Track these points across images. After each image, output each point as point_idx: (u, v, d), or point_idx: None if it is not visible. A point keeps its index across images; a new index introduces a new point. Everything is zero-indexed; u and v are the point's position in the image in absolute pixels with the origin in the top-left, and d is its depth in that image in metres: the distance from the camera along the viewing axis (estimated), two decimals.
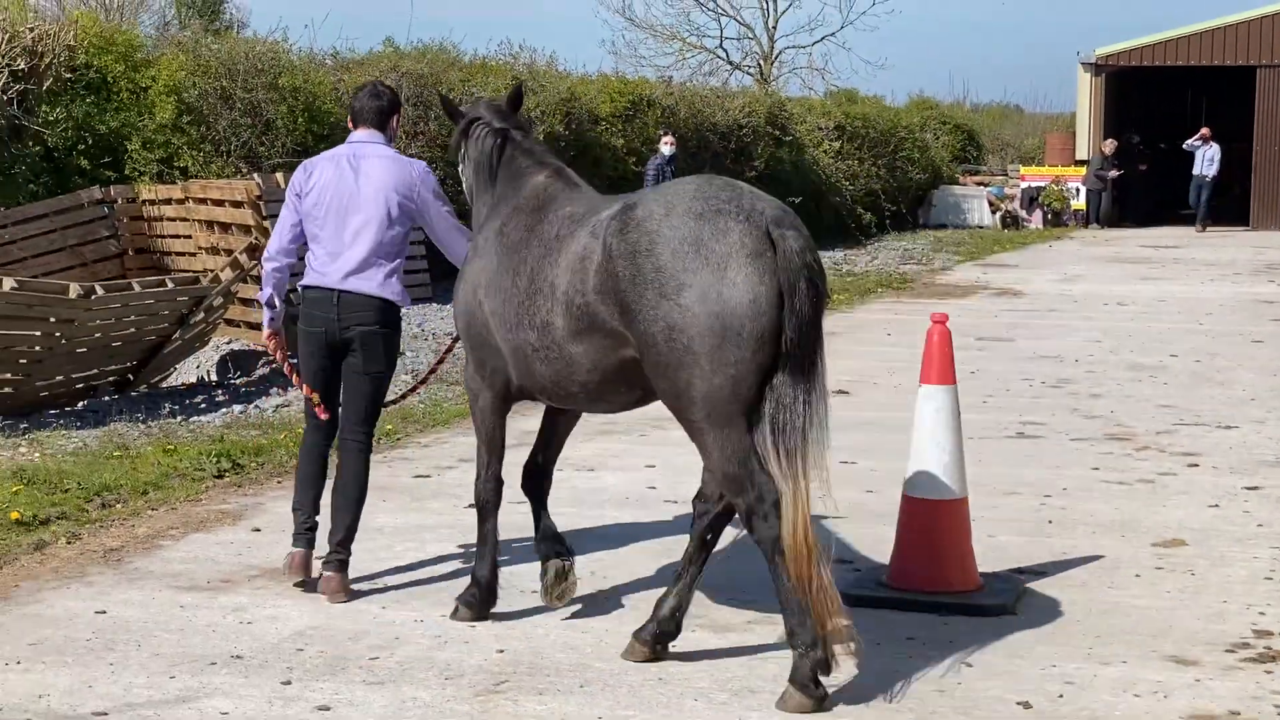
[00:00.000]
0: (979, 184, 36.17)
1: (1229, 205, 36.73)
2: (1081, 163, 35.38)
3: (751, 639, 6.27)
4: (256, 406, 12.06)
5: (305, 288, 6.98)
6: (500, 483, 6.58)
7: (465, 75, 20.68)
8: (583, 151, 21.69)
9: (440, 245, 7.21)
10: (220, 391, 12.78)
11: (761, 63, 43.76)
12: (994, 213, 34.55)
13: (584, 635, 6.34)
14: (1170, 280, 22.69)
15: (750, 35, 43.99)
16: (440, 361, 7.98)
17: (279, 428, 11.04)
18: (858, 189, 29.74)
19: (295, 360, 7.26)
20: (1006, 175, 36.36)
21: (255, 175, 15.07)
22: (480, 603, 6.54)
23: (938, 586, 6.62)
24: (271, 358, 12.33)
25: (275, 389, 12.71)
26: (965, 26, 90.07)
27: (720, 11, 43.52)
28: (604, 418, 9.08)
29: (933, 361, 6.71)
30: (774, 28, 43.88)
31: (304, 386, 7.10)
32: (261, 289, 7.14)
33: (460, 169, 7.05)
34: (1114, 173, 34.70)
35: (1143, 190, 36.59)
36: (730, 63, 43.64)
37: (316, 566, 6.95)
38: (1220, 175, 34.25)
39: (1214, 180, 33.99)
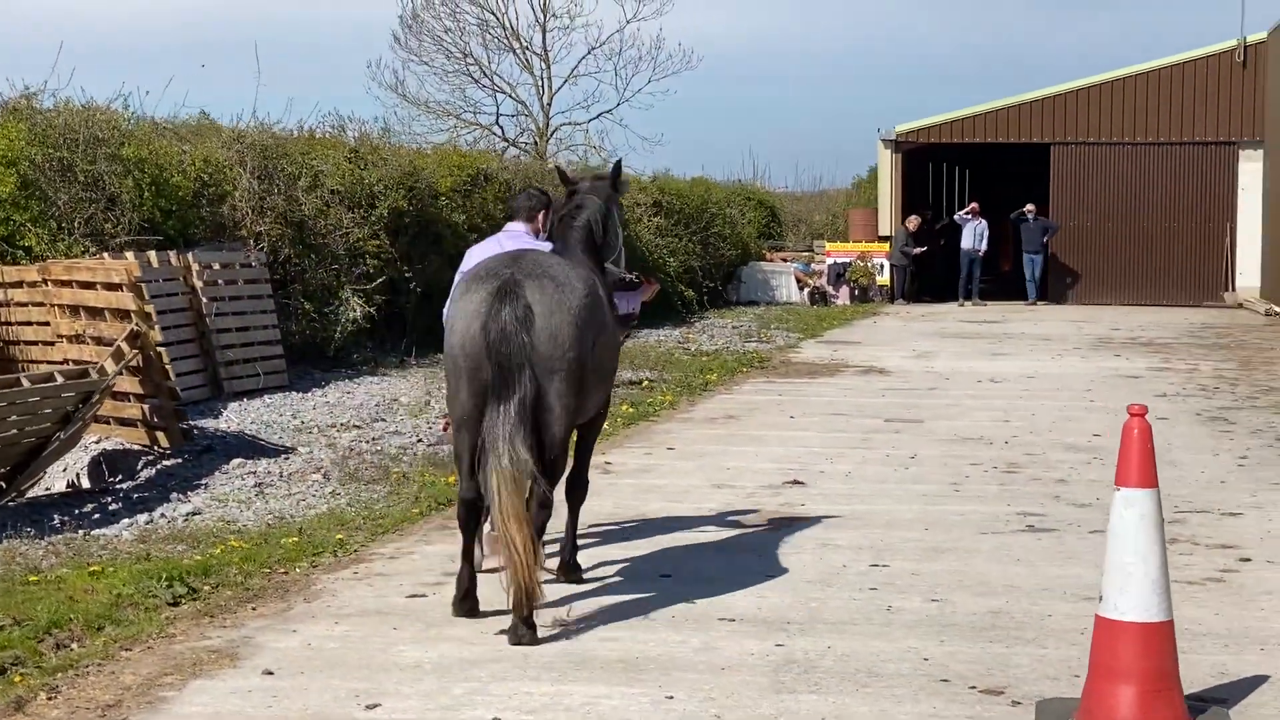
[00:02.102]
0: (783, 260, 35.90)
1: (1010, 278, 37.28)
2: (885, 238, 35.41)
3: None
4: (163, 515, 10.55)
5: None
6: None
7: (305, 147, 19.35)
8: (424, 228, 20.47)
9: None
10: (108, 498, 11.21)
11: (537, 139, 43.06)
12: (802, 289, 34.29)
13: None
14: (1020, 356, 22.44)
15: (526, 112, 43.32)
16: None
17: (205, 539, 9.67)
18: (679, 266, 29.10)
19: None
20: (812, 251, 36.15)
21: (145, 253, 13.56)
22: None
23: None
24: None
25: (176, 494, 11.23)
26: (741, 105, 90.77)
27: (496, 89, 42.77)
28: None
29: (1132, 460, 5.82)
30: (549, 105, 43.30)
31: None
32: None
33: None
34: (917, 250, 34.84)
35: (939, 266, 36.83)
36: (506, 139, 42.75)
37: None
38: (989, 250, 34.89)
39: (983, 256, 34.57)
